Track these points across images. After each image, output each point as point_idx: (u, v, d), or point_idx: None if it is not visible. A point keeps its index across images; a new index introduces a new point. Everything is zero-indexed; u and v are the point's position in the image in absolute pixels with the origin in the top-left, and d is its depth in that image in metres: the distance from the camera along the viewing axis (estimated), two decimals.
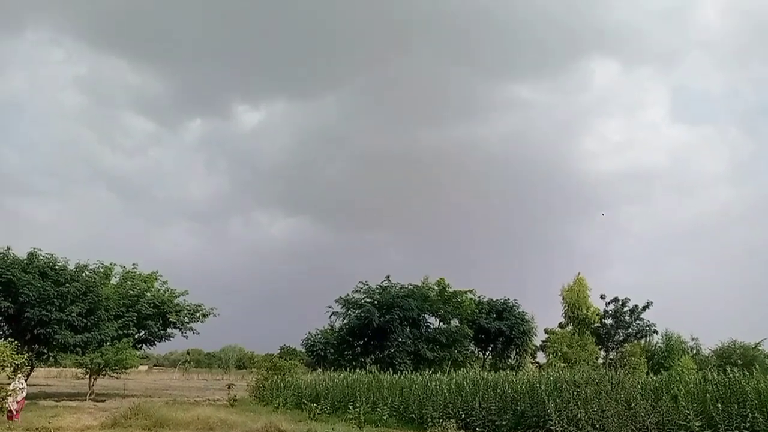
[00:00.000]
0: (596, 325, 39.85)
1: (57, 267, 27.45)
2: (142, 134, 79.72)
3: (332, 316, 34.11)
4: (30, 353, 25.95)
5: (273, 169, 77.25)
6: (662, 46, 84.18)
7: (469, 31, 73.97)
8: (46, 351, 28.21)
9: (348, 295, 34.18)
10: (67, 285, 26.71)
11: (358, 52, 75.70)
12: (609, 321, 40.32)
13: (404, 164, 74.50)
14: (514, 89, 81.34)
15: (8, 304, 25.64)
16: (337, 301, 34.03)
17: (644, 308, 39.80)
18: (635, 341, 39.58)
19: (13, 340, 26.82)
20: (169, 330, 31.39)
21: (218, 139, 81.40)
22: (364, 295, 34.24)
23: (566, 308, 40.05)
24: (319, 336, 34.86)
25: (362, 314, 32.74)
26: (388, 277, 35.16)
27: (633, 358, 36.02)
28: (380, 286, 34.75)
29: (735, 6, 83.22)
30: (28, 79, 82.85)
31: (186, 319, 31.31)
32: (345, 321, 33.85)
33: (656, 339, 40.06)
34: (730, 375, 13.33)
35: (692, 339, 40.66)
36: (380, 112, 79.59)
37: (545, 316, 41.92)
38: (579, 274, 40.87)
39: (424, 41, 75.70)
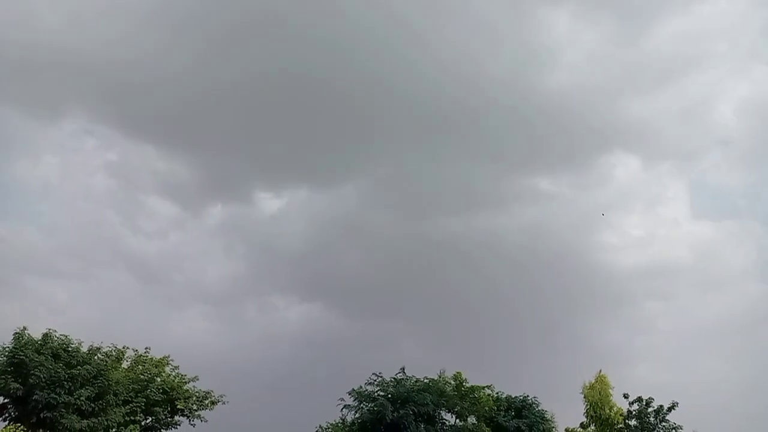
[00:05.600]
0: (620, 426, 38.10)
1: (70, 349, 27.48)
2: (164, 218, 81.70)
3: (344, 409, 33.18)
4: None
5: (290, 255, 78.01)
6: (681, 143, 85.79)
7: (491, 125, 76.29)
8: None
9: (361, 387, 33.26)
10: (78, 367, 26.61)
11: (380, 144, 78.28)
12: (633, 422, 38.53)
13: (422, 254, 74.69)
14: (535, 182, 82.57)
15: (17, 385, 25.56)
16: (349, 393, 33.15)
17: (670, 409, 38.04)
18: None
19: (18, 424, 26.57)
20: (176, 417, 30.77)
21: (238, 225, 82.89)
22: (378, 388, 33.28)
23: (588, 407, 38.52)
24: (330, 430, 33.75)
25: (375, 408, 31.66)
26: (403, 369, 34.39)
27: None
28: (394, 378, 33.91)
29: (750, 106, 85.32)
30: (60, 165, 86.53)
31: (194, 407, 30.81)
32: (357, 415, 32.82)
33: None
34: None
35: None
36: (398, 201, 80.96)
37: (566, 414, 40.09)
38: (601, 371, 39.59)
39: (446, 134, 78.17)
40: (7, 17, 70.92)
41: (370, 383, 33.60)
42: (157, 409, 29.57)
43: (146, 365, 30.68)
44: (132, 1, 72.91)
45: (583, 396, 38.84)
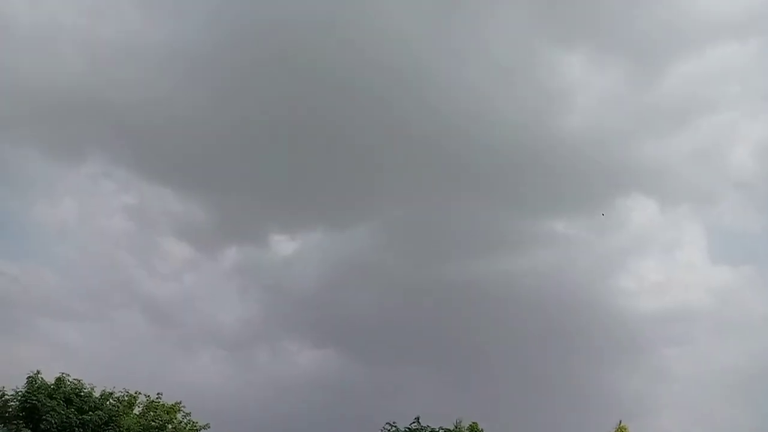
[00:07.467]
0: None
1: (83, 393, 27.45)
2: (179, 260, 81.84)
3: None
4: None
5: (304, 298, 77.57)
6: (697, 186, 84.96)
7: (506, 167, 76.53)
8: None
9: None
10: (90, 413, 26.53)
11: (396, 185, 78.36)
12: None
13: (437, 298, 73.74)
14: (552, 225, 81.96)
15: (28, 431, 25.42)
16: None
17: None
18: None
19: None
20: None
21: (253, 267, 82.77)
22: None
23: None
24: None
25: None
26: (417, 419, 33.44)
27: None
28: (409, 428, 33.10)
29: (765, 148, 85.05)
30: (78, 208, 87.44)
31: None
32: None
33: None
34: None
35: None
36: (414, 244, 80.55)
37: None
38: (621, 422, 38.53)
39: (462, 175, 78.29)
40: (34, 63, 73.20)
41: None
42: None
43: (158, 411, 30.30)
44: (148, 42, 74.72)
45: None
